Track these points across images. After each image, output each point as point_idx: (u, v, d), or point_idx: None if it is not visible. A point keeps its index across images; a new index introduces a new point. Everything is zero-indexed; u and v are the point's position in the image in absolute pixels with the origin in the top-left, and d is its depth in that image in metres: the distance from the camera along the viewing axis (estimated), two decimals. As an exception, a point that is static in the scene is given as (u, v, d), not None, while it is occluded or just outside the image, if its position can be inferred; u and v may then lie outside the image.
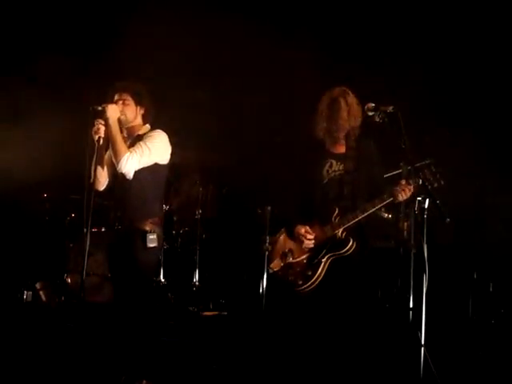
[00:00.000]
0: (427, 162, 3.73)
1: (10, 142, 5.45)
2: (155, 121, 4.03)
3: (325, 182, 3.82)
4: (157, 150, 3.86)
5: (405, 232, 4.70)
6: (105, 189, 3.97)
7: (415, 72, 5.26)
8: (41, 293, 5.72)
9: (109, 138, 3.79)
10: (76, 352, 3.65)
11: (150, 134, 3.91)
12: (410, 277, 3.89)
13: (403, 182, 3.65)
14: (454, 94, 5.29)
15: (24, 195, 6.02)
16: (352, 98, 3.79)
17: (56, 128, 5.36)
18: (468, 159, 4.98)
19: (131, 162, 3.77)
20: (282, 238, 3.97)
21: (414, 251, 3.79)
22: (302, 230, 3.80)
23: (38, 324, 5.19)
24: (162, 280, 5.54)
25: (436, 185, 3.57)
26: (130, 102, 3.93)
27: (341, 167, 3.82)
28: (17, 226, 6.13)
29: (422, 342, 3.45)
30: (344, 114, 3.77)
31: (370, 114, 3.72)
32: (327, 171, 3.83)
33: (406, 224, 4.68)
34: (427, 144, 4.88)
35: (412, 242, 3.81)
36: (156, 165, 3.89)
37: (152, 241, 3.78)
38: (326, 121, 3.82)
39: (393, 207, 4.90)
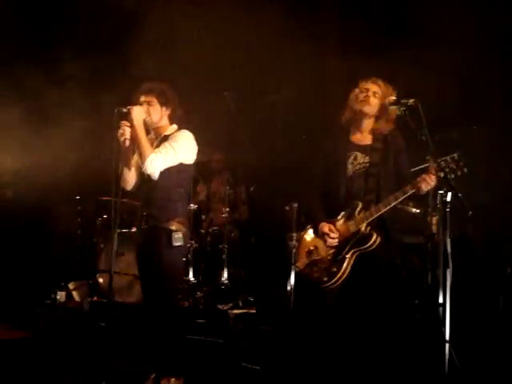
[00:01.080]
0: (453, 155, 3.65)
1: (40, 144, 5.55)
2: (182, 121, 4.06)
3: (349, 175, 3.78)
4: (182, 150, 3.90)
5: (433, 226, 4.62)
6: (133, 188, 4.02)
7: (442, 64, 5.18)
8: (74, 293, 5.82)
9: (134, 140, 3.85)
10: (106, 350, 3.69)
11: (175, 135, 3.95)
12: (440, 272, 3.84)
13: (426, 173, 3.61)
14: (480, 89, 5.18)
15: (56, 197, 6.14)
16: (387, 90, 3.75)
17: (85, 129, 5.44)
18: (496, 152, 4.88)
19: (156, 163, 3.82)
20: (306, 235, 3.96)
21: (442, 246, 3.72)
22: (326, 228, 3.77)
23: (70, 324, 5.30)
24: (192, 279, 5.57)
25: (459, 173, 3.51)
26: (155, 103, 3.96)
27: (366, 159, 3.77)
28: (50, 228, 6.25)
29: (447, 338, 3.39)
30: (371, 107, 3.75)
31: (392, 107, 3.69)
32: (352, 164, 3.79)
33: (434, 218, 4.60)
34: (454, 138, 4.79)
35: (440, 236, 3.76)
36: (181, 165, 3.92)
37: (177, 240, 3.81)
38: (353, 109, 3.79)
39: (421, 201, 4.84)
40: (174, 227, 3.83)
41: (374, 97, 3.74)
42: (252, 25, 5.32)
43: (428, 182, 3.59)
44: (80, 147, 5.52)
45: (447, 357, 3.38)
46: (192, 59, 5.68)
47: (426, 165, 3.79)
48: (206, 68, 5.78)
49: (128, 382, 3.91)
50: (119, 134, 3.84)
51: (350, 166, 3.79)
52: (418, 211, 4.87)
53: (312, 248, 3.88)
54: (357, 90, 3.80)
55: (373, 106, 3.75)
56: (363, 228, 3.71)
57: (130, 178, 3.99)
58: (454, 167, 3.52)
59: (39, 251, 6.23)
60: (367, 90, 3.75)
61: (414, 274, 4.88)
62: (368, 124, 3.81)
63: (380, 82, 3.78)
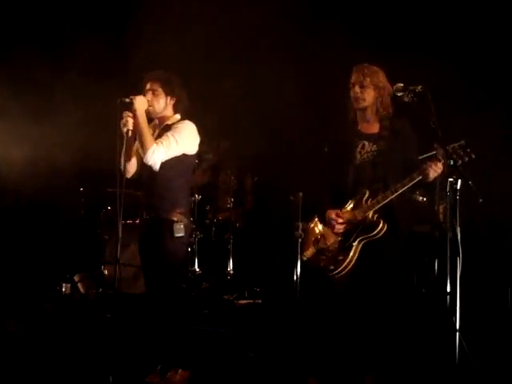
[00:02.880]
0: (461, 142, 3.61)
1: (41, 134, 5.51)
2: (187, 111, 4.02)
3: (357, 163, 3.76)
4: (184, 141, 3.86)
5: (440, 215, 4.59)
6: (132, 176, 3.98)
7: (449, 52, 5.13)
8: (79, 285, 5.80)
9: (136, 130, 3.81)
10: (112, 341, 3.68)
11: (177, 126, 3.90)
12: (447, 261, 3.81)
13: (433, 160, 3.57)
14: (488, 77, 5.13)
15: (59, 189, 6.11)
16: (373, 74, 3.72)
17: (87, 119, 5.40)
18: (503, 139, 4.83)
19: (157, 154, 3.78)
20: (313, 224, 3.93)
21: (450, 235, 3.70)
22: (333, 215, 3.75)
23: (76, 315, 5.29)
24: (197, 269, 5.55)
25: (467, 159, 3.48)
26: (160, 92, 3.92)
27: (373, 148, 3.74)
28: (54, 220, 6.23)
29: (457, 327, 3.36)
30: (365, 101, 3.72)
31: (399, 94, 3.64)
32: (360, 152, 3.77)
33: (441, 207, 4.56)
34: (463, 125, 4.75)
35: (448, 225, 3.72)
36: (183, 155, 3.89)
37: (179, 230, 3.79)
38: (353, 106, 3.78)
39: (428, 190, 4.80)
40: (175, 218, 3.80)
41: (364, 88, 3.71)
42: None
43: (435, 170, 3.56)
44: (83, 138, 5.46)
45: (458, 346, 3.35)
46: (196, 48, 5.63)
47: (434, 152, 3.75)
48: (205, 56, 5.73)
49: (134, 374, 3.89)
50: (122, 125, 3.79)
51: (358, 155, 3.77)
52: (425, 199, 4.84)
53: (319, 237, 3.85)
54: (351, 88, 3.77)
55: (367, 98, 3.73)
56: (370, 215, 3.68)
57: (131, 168, 3.95)
58: (462, 153, 3.49)
59: (43, 244, 6.21)
60: (354, 84, 3.74)
61: (422, 262, 4.86)
62: (371, 114, 3.78)
63: (366, 70, 3.74)
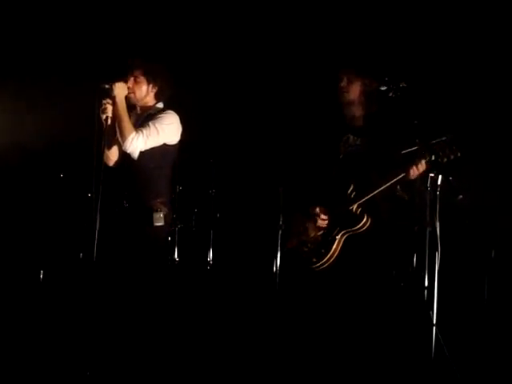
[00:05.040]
0: (443, 138, 3.64)
1: (19, 122, 5.44)
2: (170, 100, 3.98)
3: (341, 156, 3.79)
4: (165, 131, 3.82)
5: (420, 210, 4.61)
6: (115, 165, 3.95)
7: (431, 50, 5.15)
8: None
9: (115, 116, 3.76)
10: (88, 330, 3.65)
11: (159, 115, 3.86)
12: (425, 255, 3.85)
13: (417, 158, 3.60)
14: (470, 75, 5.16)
15: (38, 176, 6.04)
16: (355, 76, 3.76)
17: (67, 106, 5.33)
18: (486, 138, 4.87)
19: (136, 143, 3.75)
20: (296, 217, 3.94)
21: (429, 229, 3.74)
22: (316, 209, 3.77)
23: (55, 303, 5.26)
24: (177, 258, 5.56)
25: (452, 157, 3.52)
26: (142, 79, 3.88)
27: (358, 142, 3.79)
28: (32, 206, 6.16)
29: (434, 322, 3.40)
30: (350, 95, 3.75)
31: (383, 88, 3.67)
32: (344, 145, 3.80)
33: (421, 202, 4.59)
34: (445, 121, 4.78)
35: (427, 219, 3.76)
36: (165, 145, 3.86)
37: (158, 219, 3.76)
38: (340, 94, 3.81)
39: (408, 185, 4.83)
40: (155, 207, 3.78)
41: (352, 82, 3.76)
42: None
43: (418, 168, 3.59)
44: (61, 124, 5.39)
45: (434, 340, 3.39)
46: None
47: (416, 147, 3.78)
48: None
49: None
50: (101, 111, 3.74)
51: (342, 148, 3.80)
52: (406, 194, 4.86)
53: (301, 229, 3.86)
54: (338, 81, 3.81)
55: (354, 91, 3.76)
56: (354, 209, 3.70)
57: (112, 156, 3.93)
58: (447, 151, 3.52)
59: (21, 232, 6.13)
60: (341, 78, 3.79)
61: (400, 256, 4.88)
62: (356, 108, 3.80)
63: (353, 68, 3.79)
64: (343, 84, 3.77)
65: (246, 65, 5.59)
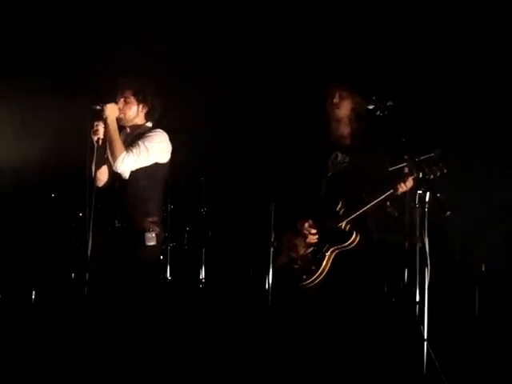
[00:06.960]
0: (431, 154, 3.69)
1: (14, 140, 5.45)
2: (159, 120, 4.00)
3: (329, 174, 3.83)
4: (155, 150, 3.84)
5: (410, 226, 4.66)
6: (104, 185, 3.93)
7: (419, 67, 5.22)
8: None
9: (106, 137, 3.78)
10: (80, 350, 3.65)
11: (149, 134, 3.88)
12: (416, 271, 3.88)
13: (405, 176, 3.65)
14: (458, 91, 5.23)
15: (30, 196, 6.03)
16: (347, 93, 3.81)
17: (58, 126, 5.34)
18: (471, 153, 4.93)
19: (127, 163, 3.77)
20: (286, 233, 3.97)
21: (419, 245, 3.77)
22: (306, 225, 3.81)
23: (46, 323, 5.23)
24: (169, 277, 5.56)
25: (438, 174, 3.57)
26: (132, 100, 3.91)
27: (346, 159, 3.82)
28: (24, 226, 6.15)
29: (425, 337, 3.43)
30: (341, 111, 3.80)
31: (371, 107, 3.72)
32: (332, 163, 3.84)
33: (410, 218, 4.64)
34: (431, 138, 4.84)
35: (417, 235, 3.80)
36: (155, 164, 3.88)
37: (150, 239, 3.77)
38: (330, 111, 3.84)
39: (398, 201, 4.87)
40: (147, 227, 3.78)
41: (342, 99, 3.80)
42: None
43: (406, 185, 3.64)
44: (53, 144, 5.41)
45: (425, 355, 3.41)
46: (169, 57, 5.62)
47: (404, 164, 3.83)
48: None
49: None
50: (92, 133, 3.76)
51: (330, 165, 3.83)
52: (395, 211, 4.90)
53: (291, 246, 3.88)
54: (329, 97, 3.84)
55: (343, 108, 3.81)
56: (343, 226, 3.73)
57: (102, 176, 3.91)
58: (434, 168, 3.57)
59: (13, 250, 6.11)
60: (333, 94, 3.83)
61: (391, 272, 4.92)
62: (345, 126, 3.85)
63: (345, 85, 3.82)
64: (335, 100, 3.81)
65: (235, 82, 5.63)
